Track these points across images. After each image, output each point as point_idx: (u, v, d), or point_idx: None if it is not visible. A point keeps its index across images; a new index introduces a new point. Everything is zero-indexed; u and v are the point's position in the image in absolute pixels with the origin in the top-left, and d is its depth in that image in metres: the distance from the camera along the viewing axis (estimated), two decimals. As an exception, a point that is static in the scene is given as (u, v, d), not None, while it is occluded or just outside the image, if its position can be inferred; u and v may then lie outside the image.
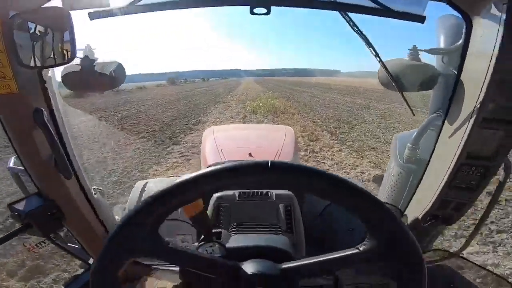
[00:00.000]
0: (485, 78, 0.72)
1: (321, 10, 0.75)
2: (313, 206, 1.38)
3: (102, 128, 8.70)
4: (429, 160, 1.03)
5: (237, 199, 1.13)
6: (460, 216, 0.99)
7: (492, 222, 2.95)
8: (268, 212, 1.09)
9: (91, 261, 1.23)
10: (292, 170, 0.42)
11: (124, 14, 0.62)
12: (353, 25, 0.79)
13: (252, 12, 0.65)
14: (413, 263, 0.44)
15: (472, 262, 1.32)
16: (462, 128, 0.83)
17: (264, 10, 0.66)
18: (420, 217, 1.04)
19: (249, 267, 0.48)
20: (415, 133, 1.25)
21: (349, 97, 18.75)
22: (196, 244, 0.64)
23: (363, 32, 0.83)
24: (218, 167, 0.42)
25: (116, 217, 1.51)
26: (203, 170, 0.42)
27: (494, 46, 0.69)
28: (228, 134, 2.35)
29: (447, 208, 0.96)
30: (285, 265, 0.48)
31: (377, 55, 0.87)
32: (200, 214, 0.60)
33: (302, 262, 0.47)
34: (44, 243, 1.05)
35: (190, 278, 0.59)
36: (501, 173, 0.92)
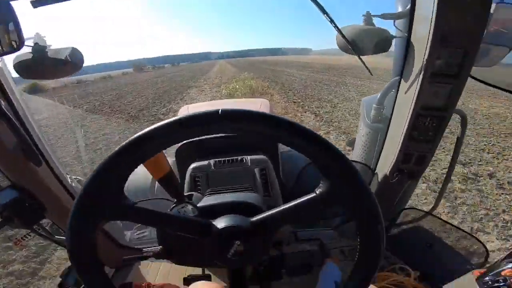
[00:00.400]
0: (428, 38, 0.79)
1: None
2: (289, 172, 1.44)
3: (57, 128, 7.05)
4: (390, 117, 1.11)
5: (213, 167, 1.17)
6: (423, 170, 1.08)
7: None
8: (244, 177, 1.13)
9: None
10: (244, 116, 0.43)
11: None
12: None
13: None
14: (366, 199, 0.45)
15: (445, 221, 1.45)
16: (414, 84, 0.90)
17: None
18: (388, 173, 1.12)
19: (219, 222, 0.49)
20: (379, 94, 1.32)
21: (324, 75, 17.72)
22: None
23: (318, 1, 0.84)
24: (171, 119, 0.43)
25: None
26: (157, 124, 0.43)
27: (432, 9, 0.75)
28: (202, 109, 2.36)
29: (410, 161, 1.04)
30: (254, 218, 0.49)
31: (332, 21, 0.90)
32: (167, 175, 0.61)
33: (269, 213, 0.49)
34: (30, 235, 1.06)
35: (169, 243, 0.61)
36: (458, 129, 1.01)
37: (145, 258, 0.64)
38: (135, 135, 0.43)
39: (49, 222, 1.12)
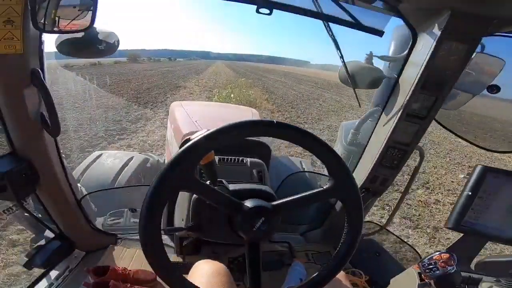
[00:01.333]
0: (412, 84, 0.98)
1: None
2: (274, 176, 1.58)
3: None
4: (367, 143, 1.30)
5: (217, 163, 1.26)
6: (384, 190, 1.30)
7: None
8: (243, 176, 1.25)
9: (56, 230, 1.23)
10: (288, 129, 0.58)
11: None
12: (328, 29, 0.96)
13: (257, 11, 0.77)
14: (353, 193, 0.64)
15: (394, 234, 1.71)
16: (392, 120, 1.09)
17: (267, 11, 0.78)
18: (363, 181, 1.30)
19: (249, 203, 0.62)
20: (358, 121, 1.53)
21: (326, 92, 17.05)
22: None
23: (335, 36, 1.00)
24: (242, 121, 0.56)
25: (78, 184, 1.48)
26: (230, 123, 0.55)
27: (424, 58, 0.93)
28: (197, 108, 2.35)
29: (376, 182, 1.25)
30: (275, 202, 0.64)
31: (341, 56, 1.06)
32: (211, 162, 0.72)
33: (287, 199, 0.64)
34: (12, 209, 1.01)
35: (199, 219, 0.71)
36: (417, 159, 1.24)
37: (182, 229, 0.76)
38: (214, 129, 0.55)
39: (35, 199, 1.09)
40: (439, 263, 0.82)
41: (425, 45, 0.95)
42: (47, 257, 1.19)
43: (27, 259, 1.19)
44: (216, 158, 1.26)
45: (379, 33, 0.94)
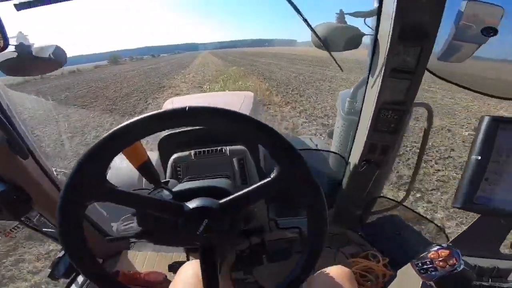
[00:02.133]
0: (388, 36, 0.86)
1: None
2: (269, 161, 1.51)
3: None
4: (360, 111, 1.19)
5: (193, 157, 1.23)
6: (386, 159, 1.16)
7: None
8: (222, 167, 1.19)
9: None
10: (207, 112, 0.50)
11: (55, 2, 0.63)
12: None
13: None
14: (310, 182, 0.54)
15: (413, 211, 1.56)
16: (378, 79, 0.97)
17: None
18: (357, 162, 1.20)
19: (191, 204, 0.55)
20: (353, 88, 1.40)
21: (327, 70, 14.18)
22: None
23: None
24: (145, 114, 0.49)
25: None
26: (132, 119, 0.49)
27: (393, 8, 0.81)
28: (187, 103, 2.37)
29: (376, 151, 1.13)
30: (222, 200, 0.56)
31: (305, 20, 0.95)
32: (145, 163, 0.65)
33: (235, 195, 0.56)
34: (19, 227, 1.08)
35: (147, 224, 0.66)
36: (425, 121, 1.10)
37: (127, 238, 0.70)
38: (114, 129, 0.49)
39: (37, 214, 1.15)
40: (436, 261, 0.63)
41: None
42: (67, 267, 1.27)
43: (50, 270, 1.28)
44: (192, 152, 1.23)
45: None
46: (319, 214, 0.56)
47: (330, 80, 11.05)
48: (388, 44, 0.86)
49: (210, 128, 0.52)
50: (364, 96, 1.15)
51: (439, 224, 1.66)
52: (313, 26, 1.00)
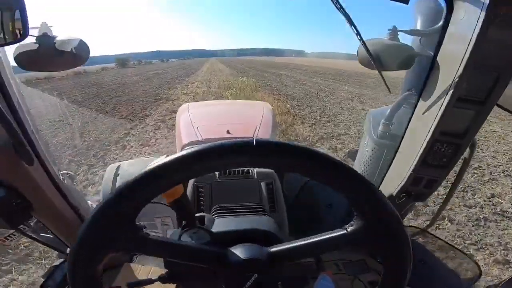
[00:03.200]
0: (461, 60, 0.75)
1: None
2: (292, 183, 1.41)
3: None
4: (402, 136, 1.07)
5: (217, 178, 1.11)
6: (431, 193, 1.05)
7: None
8: (249, 191, 1.08)
9: (68, 250, 1.19)
10: (279, 149, 0.40)
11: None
12: (336, 2, 0.76)
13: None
14: (399, 241, 0.44)
15: (439, 238, 1.45)
16: (436, 106, 0.86)
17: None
18: (394, 193, 1.09)
19: (237, 252, 0.47)
20: (389, 110, 1.29)
21: (350, 86, 13.19)
22: (178, 230, 0.62)
23: (346, 10, 0.80)
24: (200, 147, 0.39)
25: (90, 203, 1.44)
26: (184, 151, 0.39)
27: (474, 30, 0.70)
28: (204, 110, 2.25)
29: (419, 184, 1.01)
30: (273, 249, 0.48)
31: (358, 33, 0.86)
32: (181, 199, 0.57)
33: (290, 245, 0.47)
34: (14, 235, 1.00)
35: (177, 268, 0.58)
36: (466, 151, 0.99)
37: (151, 282, 0.60)
38: (160, 162, 0.39)
39: (34, 219, 1.05)
40: None
41: (469, 11, 0.72)
42: (62, 278, 1.16)
43: (44, 279, 1.18)
44: (216, 172, 1.12)
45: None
46: (402, 272, 0.46)
47: (360, 99, 9.75)
48: (460, 69, 0.75)
49: (277, 166, 0.42)
50: (408, 122, 1.04)
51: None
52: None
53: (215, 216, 0.69)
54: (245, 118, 2.03)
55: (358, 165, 1.55)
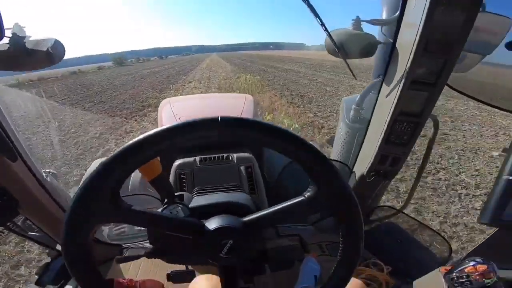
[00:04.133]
0: (413, 46, 0.82)
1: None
2: (272, 167, 1.47)
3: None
4: (369, 119, 1.16)
5: (198, 164, 1.17)
6: (396, 171, 1.14)
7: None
8: (229, 175, 1.14)
9: (58, 247, 1.21)
10: (241, 124, 0.45)
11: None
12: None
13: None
14: (348, 202, 0.50)
15: (414, 219, 1.56)
16: (395, 90, 0.94)
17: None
18: (365, 173, 1.17)
19: (212, 223, 0.51)
20: (359, 95, 1.37)
21: (356, 80, 7.82)
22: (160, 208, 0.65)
23: (310, 2, 0.85)
24: (171, 125, 0.45)
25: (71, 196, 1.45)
26: (156, 129, 0.44)
27: (421, 17, 0.77)
28: (185, 103, 2.28)
29: (385, 163, 1.10)
30: (246, 218, 0.52)
31: (322, 24, 0.91)
32: (159, 176, 0.61)
33: (261, 213, 0.52)
34: (3, 232, 1.01)
35: (160, 243, 0.61)
36: (431, 130, 1.08)
37: (137, 257, 0.65)
38: (133, 141, 0.44)
39: (21, 217, 1.07)
40: (473, 276, 0.65)
41: (418, 4, 0.79)
42: (55, 274, 1.19)
43: (37, 277, 1.20)
44: (197, 158, 1.16)
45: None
46: (355, 230, 0.52)
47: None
48: (412, 54, 0.83)
49: (241, 139, 0.46)
50: (374, 105, 1.12)
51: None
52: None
53: (195, 195, 0.72)
54: (226, 109, 2.05)
55: (335, 149, 1.63)
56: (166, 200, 0.63)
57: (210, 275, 0.80)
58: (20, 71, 0.78)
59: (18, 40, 0.69)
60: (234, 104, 2.10)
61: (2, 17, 0.54)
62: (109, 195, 0.44)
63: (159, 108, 2.12)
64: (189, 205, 0.60)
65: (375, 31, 1.06)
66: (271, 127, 0.46)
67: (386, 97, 1.01)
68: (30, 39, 0.71)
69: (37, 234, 1.17)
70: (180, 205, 0.61)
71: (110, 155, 0.43)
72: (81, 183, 0.44)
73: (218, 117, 0.44)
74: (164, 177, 0.61)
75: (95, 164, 2.10)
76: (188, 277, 0.90)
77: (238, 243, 0.50)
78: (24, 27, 0.69)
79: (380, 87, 1.05)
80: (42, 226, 1.07)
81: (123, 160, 0.44)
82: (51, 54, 0.73)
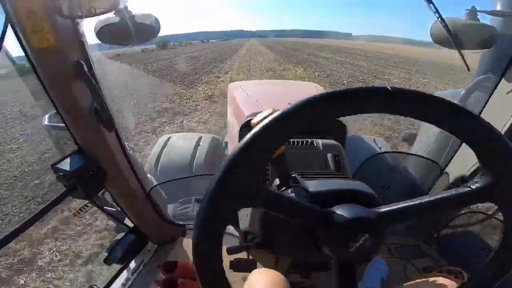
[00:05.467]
0: None
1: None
2: (355, 159, 1.34)
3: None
4: None
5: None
6: None
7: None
8: (315, 162, 1.04)
9: (128, 223, 1.24)
10: (414, 97, 0.39)
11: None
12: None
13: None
14: None
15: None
16: None
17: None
18: (461, 175, 1.07)
19: (343, 212, 0.43)
20: (463, 93, 1.21)
21: (424, 77, 10.25)
22: (275, 189, 0.60)
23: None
24: (337, 90, 0.38)
25: (149, 175, 1.48)
26: (323, 93, 0.38)
27: None
28: (256, 88, 2.15)
29: None
30: (382, 209, 0.44)
31: (437, 11, 0.81)
32: (281, 155, 0.56)
33: (404, 205, 0.43)
34: (87, 206, 1.03)
35: (270, 234, 0.57)
36: None
37: (247, 248, 0.61)
38: (305, 99, 0.38)
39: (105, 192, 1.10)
40: None
41: None
42: (123, 251, 1.22)
43: (106, 254, 1.22)
44: None
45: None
46: None
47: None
48: None
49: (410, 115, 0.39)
50: (485, 104, 0.98)
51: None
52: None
53: (304, 179, 0.63)
54: (300, 94, 1.91)
55: (421, 146, 1.50)
56: (279, 182, 0.58)
57: (268, 270, 0.73)
58: (124, 45, 0.79)
59: (127, 13, 0.70)
60: (308, 92, 1.95)
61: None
62: (256, 172, 0.38)
63: (228, 92, 2.05)
64: (309, 190, 0.52)
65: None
66: (450, 102, 0.39)
67: (507, 95, 0.87)
68: (135, 13, 0.72)
69: (113, 209, 1.21)
70: (301, 188, 0.54)
71: (270, 115, 0.37)
72: (227, 156, 0.37)
73: (388, 86, 0.38)
74: (285, 156, 0.56)
75: (162, 140, 2.15)
76: (249, 267, 0.85)
77: (373, 238, 0.42)
78: (127, 1, 0.70)
79: (497, 84, 0.92)
80: (120, 200, 1.09)
81: (286, 122, 0.38)
82: (153, 28, 0.73)
